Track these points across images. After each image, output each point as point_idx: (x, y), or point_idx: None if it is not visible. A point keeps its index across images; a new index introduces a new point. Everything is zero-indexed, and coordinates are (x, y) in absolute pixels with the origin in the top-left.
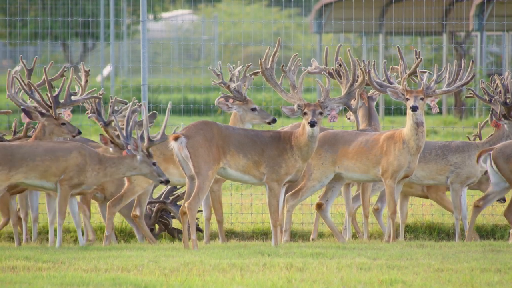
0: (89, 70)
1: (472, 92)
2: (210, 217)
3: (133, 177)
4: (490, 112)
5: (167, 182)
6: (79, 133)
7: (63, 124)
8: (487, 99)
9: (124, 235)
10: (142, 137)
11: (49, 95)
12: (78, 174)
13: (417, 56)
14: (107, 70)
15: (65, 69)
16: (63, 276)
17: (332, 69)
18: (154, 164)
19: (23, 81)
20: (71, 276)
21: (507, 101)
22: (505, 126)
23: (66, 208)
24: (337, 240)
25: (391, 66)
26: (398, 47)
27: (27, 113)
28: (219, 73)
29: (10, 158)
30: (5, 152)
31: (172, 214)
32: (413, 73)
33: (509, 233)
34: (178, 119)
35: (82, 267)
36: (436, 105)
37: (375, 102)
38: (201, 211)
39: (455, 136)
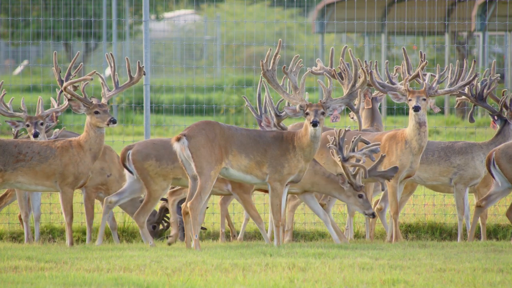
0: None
1: (460, 91)
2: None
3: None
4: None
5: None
6: (112, 121)
7: (97, 112)
8: (475, 98)
9: (127, 235)
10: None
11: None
12: None
13: (422, 59)
14: (110, 70)
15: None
16: (66, 276)
17: (334, 70)
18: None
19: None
20: (73, 276)
21: None
22: (510, 126)
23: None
24: (339, 240)
25: (395, 67)
26: (403, 48)
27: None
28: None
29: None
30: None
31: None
32: (417, 75)
33: (511, 233)
34: (180, 119)
35: (84, 267)
36: (436, 106)
37: (379, 104)
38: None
39: (457, 136)
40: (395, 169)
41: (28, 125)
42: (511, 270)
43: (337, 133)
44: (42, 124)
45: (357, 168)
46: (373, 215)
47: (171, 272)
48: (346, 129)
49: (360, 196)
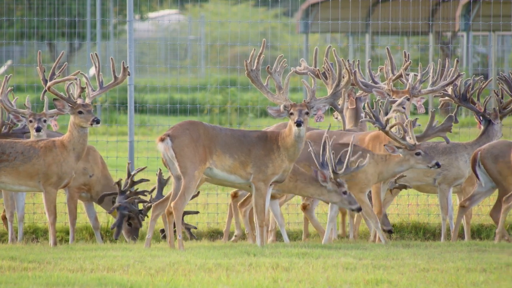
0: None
1: (443, 92)
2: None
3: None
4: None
5: (358, 210)
6: (95, 121)
7: (80, 112)
8: (458, 99)
9: (110, 235)
10: (325, 167)
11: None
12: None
13: (406, 59)
14: (93, 70)
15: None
16: (49, 276)
17: (318, 70)
18: (344, 192)
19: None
20: (56, 276)
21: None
22: (494, 126)
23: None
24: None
25: (379, 67)
26: (387, 48)
27: (16, 117)
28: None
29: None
30: None
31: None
32: (401, 75)
33: (495, 233)
34: (164, 119)
35: (67, 267)
36: (422, 105)
37: (363, 103)
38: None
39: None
40: (450, 118)
41: (31, 121)
42: (494, 270)
43: (369, 107)
44: (45, 121)
45: (401, 130)
46: (438, 166)
47: (154, 272)
48: (377, 100)
49: (418, 154)
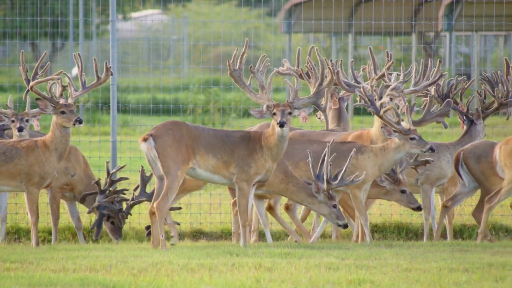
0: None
1: (426, 92)
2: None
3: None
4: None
5: (345, 226)
6: (78, 121)
7: (63, 112)
8: (441, 99)
9: (93, 235)
10: (321, 178)
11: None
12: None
13: (389, 58)
14: (76, 70)
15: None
16: (31, 277)
17: (301, 69)
18: (334, 206)
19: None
20: (39, 277)
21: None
22: (477, 126)
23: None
24: (306, 239)
25: (362, 67)
26: (370, 48)
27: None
28: None
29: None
30: None
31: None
32: (383, 75)
33: (477, 233)
34: (147, 119)
35: (50, 267)
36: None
37: (346, 104)
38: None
39: (424, 136)
40: (448, 102)
41: (13, 121)
42: (477, 270)
43: (363, 92)
44: (27, 121)
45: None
46: (432, 150)
47: (137, 272)
48: (373, 85)
49: (413, 139)
